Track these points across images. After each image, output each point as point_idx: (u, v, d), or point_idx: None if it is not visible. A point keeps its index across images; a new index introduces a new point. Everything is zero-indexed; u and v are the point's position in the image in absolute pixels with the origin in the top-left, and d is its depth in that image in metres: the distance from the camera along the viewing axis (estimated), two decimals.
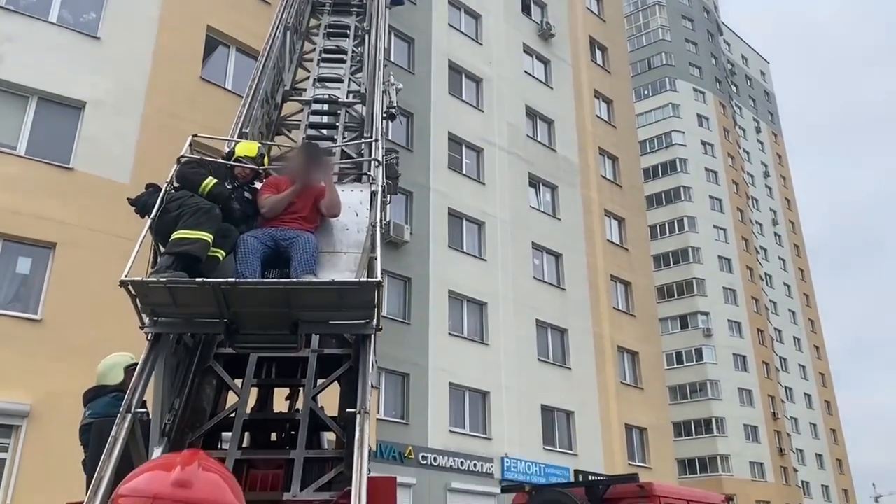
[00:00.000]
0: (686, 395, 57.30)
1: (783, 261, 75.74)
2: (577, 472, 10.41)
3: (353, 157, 7.51)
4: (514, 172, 28.03)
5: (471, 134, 27.02)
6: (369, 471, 4.14)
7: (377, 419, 19.43)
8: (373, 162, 6.06)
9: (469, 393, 23.56)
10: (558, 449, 25.28)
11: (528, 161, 28.72)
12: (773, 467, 56.60)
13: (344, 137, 8.52)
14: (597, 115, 33.24)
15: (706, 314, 58.98)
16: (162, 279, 4.23)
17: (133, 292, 4.21)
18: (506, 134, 28.31)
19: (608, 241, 30.98)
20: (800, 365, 71.48)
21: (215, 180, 5.24)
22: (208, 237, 4.64)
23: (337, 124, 8.66)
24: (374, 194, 5.74)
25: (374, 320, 4.57)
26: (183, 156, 5.46)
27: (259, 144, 5.98)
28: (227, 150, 5.96)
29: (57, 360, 12.68)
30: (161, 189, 5.01)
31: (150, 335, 4.54)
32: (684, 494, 9.53)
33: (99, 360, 5.77)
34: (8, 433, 12.78)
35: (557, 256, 28.43)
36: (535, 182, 28.90)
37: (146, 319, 4.50)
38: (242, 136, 7.13)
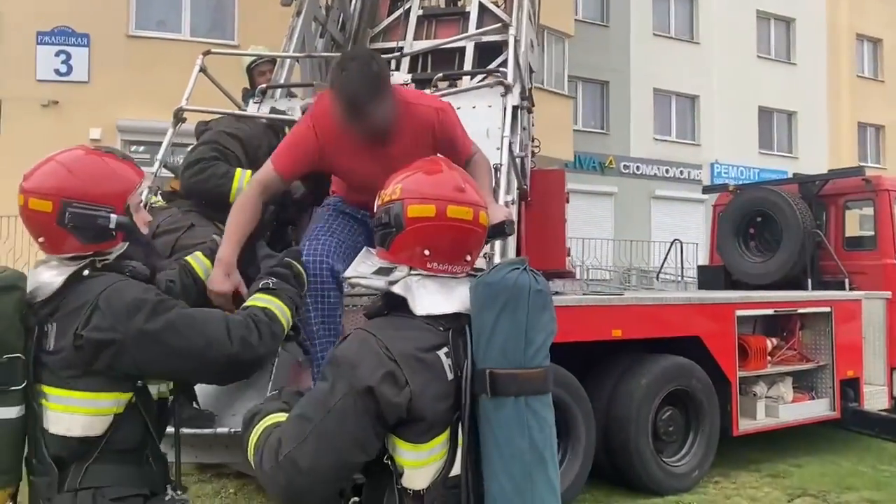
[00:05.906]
0: None
1: None
2: (796, 174, 9.50)
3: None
4: None
5: None
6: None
7: (574, 130, 18.91)
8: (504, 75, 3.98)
9: (675, 98, 22.05)
10: (776, 153, 23.51)
11: None
12: None
13: None
14: None
15: None
16: None
17: None
18: None
19: None
20: None
21: (248, 173, 3.08)
22: None
23: None
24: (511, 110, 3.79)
25: None
26: (182, 108, 3.55)
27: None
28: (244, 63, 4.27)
29: None
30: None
31: None
32: None
33: None
34: None
35: None
36: None
37: None
38: None
